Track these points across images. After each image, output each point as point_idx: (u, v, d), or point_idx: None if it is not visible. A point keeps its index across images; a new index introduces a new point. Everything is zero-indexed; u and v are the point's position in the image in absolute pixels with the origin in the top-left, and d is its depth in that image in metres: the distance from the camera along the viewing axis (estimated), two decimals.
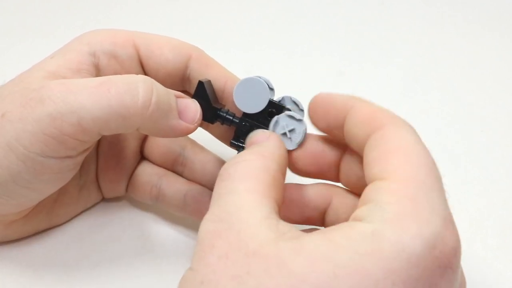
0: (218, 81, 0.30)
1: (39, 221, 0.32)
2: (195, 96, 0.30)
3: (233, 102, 0.29)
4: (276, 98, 0.29)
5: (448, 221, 0.20)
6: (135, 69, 0.30)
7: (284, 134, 0.28)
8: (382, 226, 0.19)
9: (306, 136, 0.28)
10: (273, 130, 0.28)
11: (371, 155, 0.22)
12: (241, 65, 0.48)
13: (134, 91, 0.26)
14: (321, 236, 0.20)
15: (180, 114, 0.28)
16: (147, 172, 0.34)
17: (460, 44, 0.52)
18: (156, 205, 0.35)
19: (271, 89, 0.29)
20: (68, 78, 0.28)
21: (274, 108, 0.29)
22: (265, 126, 0.29)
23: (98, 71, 0.29)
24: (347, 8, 0.57)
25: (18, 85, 0.27)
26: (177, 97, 0.28)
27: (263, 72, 0.46)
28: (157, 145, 0.34)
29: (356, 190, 0.27)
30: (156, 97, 0.26)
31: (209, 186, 0.33)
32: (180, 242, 0.34)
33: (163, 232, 0.35)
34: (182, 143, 0.34)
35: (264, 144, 0.26)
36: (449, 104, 0.46)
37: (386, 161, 0.22)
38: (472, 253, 0.34)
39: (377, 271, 0.18)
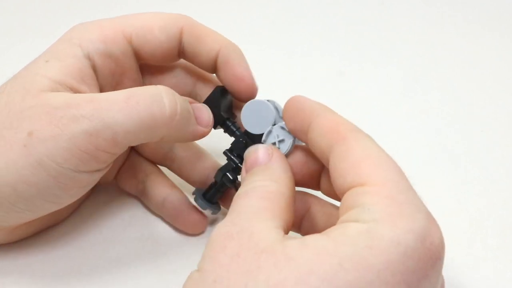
0: (211, 51, 0.31)
1: (41, 223, 0.32)
2: (208, 99, 0.31)
3: (227, 71, 0.31)
4: (265, 131, 0.30)
5: (431, 216, 0.22)
6: (129, 62, 0.31)
7: (274, 143, 0.29)
8: (375, 224, 0.21)
9: (293, 147, 0.29)
10: (265, 139, 0.29)
11: (340, 166, 0.24)
12: None
13: (161, 103, 0.27)
14: (321, 235, 0.21)
15: (196, 120, 0.30)
16: (136, 168, 0.35)
17: (460, 44, 0.52)
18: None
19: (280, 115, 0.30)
20: (75, 88, 0.28)
21: None
22: None
23: (95, 72, 0.30)
24: (347, 8, 0.57)
25: (27, 98, 0.27)
26: (190, 103, 0.30)
27: (262, 72, 0.46)
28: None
29: (336, 198, 0.28)
30: (179, 107, 0.28)
31: (195, 183, 0.34)
32: (180, 242, 0.34)
33: (164, 232, 0.35)
34: None
35: (273, 167, 0.26)
36: (449, 104, 0.46)
37: (358, 169, 0.23)
38: (472, 253, 0.34)
39: (378, 263, 0.20)
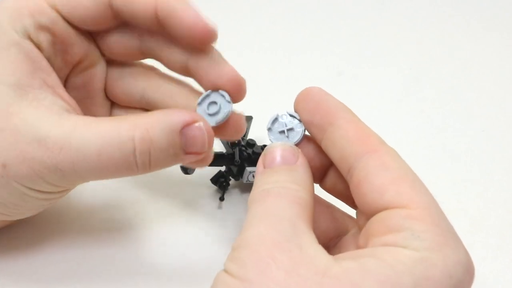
0: (147, 7, 0.27)
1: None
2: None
3: (175, 24, 0.27)
4: (270, 116, 0.29)
5: (464, 245, 0.22)
6: (64, 29, 0.29)
7: (283, 132, 0.28)
8: (427, 254, 0.21)
9: (303, 136, 0.28)
10: (271, 127, 0.28)
11: (377, 182, 0.23)
12: (240, 65, 0.48)
13: (132, 163, 0.26)
14: (378, 260, 0.21)
15: (187, 148, 0.27)
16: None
17: (460, 44, 0.52)
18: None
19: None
20: (32, 86, 0.27)
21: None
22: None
23: (38, 48, 0.28)
24: (347, 8, 0.57)
25: None
26: (186, 125, 0.26)
27: (262, 72, 0.46)
28: (119, 91, 0.32)
29: (340, 197, 0.28)
30: (155, 159, 0.26)
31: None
32: (179, 242, 0.34)
33: (162, 234, 0.35)
34: (140, 84, 0.32)
35: (298, 171, 0.25)
36: (449, 104, 0.46)
37: (399, 189, 0.23)
38: (472, 253, 0.34)
39: None
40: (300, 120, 0.28)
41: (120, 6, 0.28)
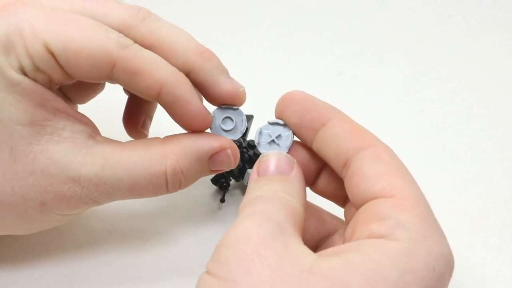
0: (148, 92, 0.27)
1: None
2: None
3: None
4: (255, 132, 0.29)
5: (447, 239, 0.22)
6: (59, 76, 0.27)
7: (272, 141, 0.28)
8: (411, 245, 0.21)
9: (293, 141, 0.28)
10: (259, 141, 0.28)
11: (372, 171, 0.24)
12: (240, 65, 0.48)
13: (163, 191, 0.28)
14: (362, 255, 0.21)
15: (213, 167, 0.28)
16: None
17: (460, 44, 0.52)
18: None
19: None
20: (47, 118, 0.26)
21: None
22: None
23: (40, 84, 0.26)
24: (347, 8, 0.57)
25: (18, 158, 0.26)
26: (215, 153, 0.27)
27: (261, 72, 0.46)
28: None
29: (330, 197, 0.29)
30: (184, 184, 0.28)
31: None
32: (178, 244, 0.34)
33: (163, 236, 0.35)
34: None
35: (293, 182, 0.26)
36: (449, 104, 0.46)
37: (390, 179, 0.23)
38: (472, 253, 0.34)
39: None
40: (284, 125, 0.28)
41: (121, 80, 0.27)
